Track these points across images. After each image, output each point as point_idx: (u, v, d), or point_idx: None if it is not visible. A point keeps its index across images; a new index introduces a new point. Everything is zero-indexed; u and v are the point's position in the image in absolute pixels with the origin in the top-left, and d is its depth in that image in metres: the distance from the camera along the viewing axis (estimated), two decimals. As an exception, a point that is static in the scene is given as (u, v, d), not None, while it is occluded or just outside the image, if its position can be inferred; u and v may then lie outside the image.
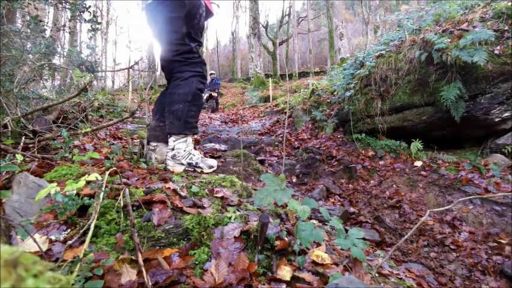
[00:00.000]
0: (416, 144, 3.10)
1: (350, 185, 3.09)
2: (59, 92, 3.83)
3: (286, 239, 1.10)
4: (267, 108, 8.57)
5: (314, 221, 1.68)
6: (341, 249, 1.22)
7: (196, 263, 0.94)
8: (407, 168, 2.98)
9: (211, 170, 1.84)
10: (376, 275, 1.17)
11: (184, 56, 1.72)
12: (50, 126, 2.20)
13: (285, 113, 6.35)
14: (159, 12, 1.68)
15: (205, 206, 1.21)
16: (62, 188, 1.04)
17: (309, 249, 1.12)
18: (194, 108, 1.75)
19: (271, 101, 11.13)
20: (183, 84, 1.72)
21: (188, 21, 1.68)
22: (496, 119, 2.72)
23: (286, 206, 1.42)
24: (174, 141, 1.75)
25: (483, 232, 2.06)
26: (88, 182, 1.13)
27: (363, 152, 3.47)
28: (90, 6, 3.07)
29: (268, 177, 1.05)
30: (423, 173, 2.83)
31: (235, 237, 1.05)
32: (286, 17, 23.60)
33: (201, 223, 1.07)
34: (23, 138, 1.72)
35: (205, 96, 9.34)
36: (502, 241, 1.94)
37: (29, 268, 0.24)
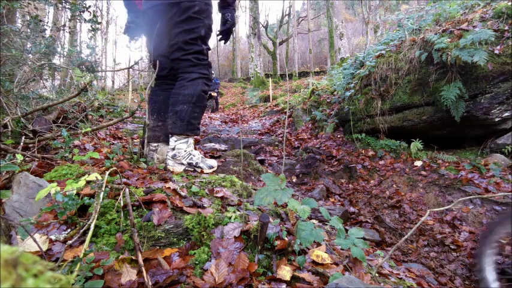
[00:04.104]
0: (416, 144, 3.10)
1: (350, 185, 3.09)
2: (59, 92, 3.82)
3: (286, 238, 1.10)
4: (267, 108, 8.57)
5: (314, 221, 1.68)
6: (341, 249, 1.22)
7: (196, 262, 0.94)
8: (407, 168, 2.98)
9: (211, 170, 1.85)
10: (376, 274, 1.17)
11: (194, 56, 1.74)
12: (50, 126, 2.20)
13: (285, 112, 6.35)
14: (178, 10, 1.69)
15: (205, 205, 1.21)
16: (62, 188, 1.04)
17: (309, 249, 1.12)
18: (198, 110, 1.76)
19: (271, 100, 11.13)
20: (189, 86, 1.72)
21: (209, 30, 1.79)
22: (496, 119, 2.72)
23: (286, 205, 1.42)
24: (176, 141, 1.75)
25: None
26: (88, 182, 1.13)
27: (363, 151, 3.47)
28: (90, 6, 3.07)
29: (268, 177, 1.05)
30: (423, 172, 2.83)
31: (235, 237, 1.05)
32: (286, 16, 23.58)
33: (201, 223, 1.08)
34: (23, 138, 1.72)
35: (205, 96, 9.35)
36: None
37: (29, 268, 0.24)
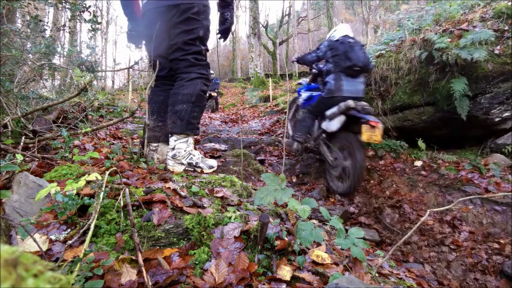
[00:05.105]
0: (421, 144, 3.11)
1: (350, 185, 3.09)
2: (59, 92, 3.83)
3: (286, 238, 1.10)
4: (267, 108, 8.57)
5: (314, 221, 1.68)
6: (341, 249, 1.22)
7: (196, 262, 0.94)
8: (407, 168, 2.98)
9: (211, 170, 1.85)
10: (376, 274, 1.17)
11: (193, 57, 1.75)
12: (50, 126, 2.20)
13: (285, 112, 6.35)
14: (177, 11, 1.69)
15: (205, 205, 1.21)
16: (62, 188, 1.04)
17: (309, 249, 1.12)
18: (197, 109, 1.76)
19: (271, 100, 11.13)
20: (188, 85, 1.73)
21: (208, 31, 1.80)
22: (496, 119, 2.72)
23: (286, 205, 1.42)
24: (175, 140, 1.75)
25: (483, 232, 2.06)
26: (88, 182, 1.13)
27: (363, 151, 3.47)
28: (90, 6, 3.07)
29: (268, 177, 1.05)
30: (423, 172, 2.83)
31: (235, 237, 1.05)
32: (286, 16, 23.56)
33: (201, 223, 1.08)
34: (23, 138, 1.72)
35: (205, 96, 9.35)
36: (502, 241, 1.94)
37: (29, 268, 0.24)
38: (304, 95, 3.36)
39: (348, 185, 2.63)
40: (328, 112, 2.77)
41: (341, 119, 2.65)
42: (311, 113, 3.07)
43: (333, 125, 2.72)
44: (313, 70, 3.24)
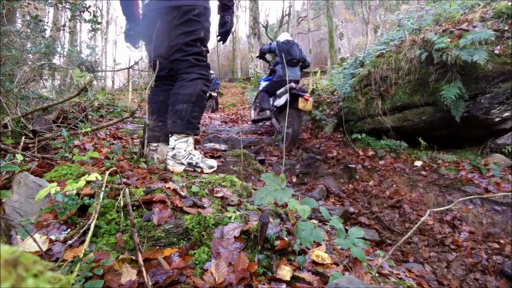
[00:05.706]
0: (422, 143, 3.12)
1: (350, 185, 3.09)
2: (59, 92, 3.83)
3: (286, 238, 1.10)
4: (267, 108, 8.54)
5: (314, 221, 1.68)
6: (341, 248, 1.22)
7: (196, 262, 0.94)
8: (407, 168, 2.98)
9: (211, 170, 1.85)
10: (376, 274, 1.17)
11: (194, 57, 1.76)
12: (50, 126, 2.20)
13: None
14: (178, 13, 1.70)
15: (205, 205, 1.21)
16: (62, 188, 1.04)
17: (309, 249, 1.12)
18: (197, 109, 1.77)
19: (271, 100, 11.09)
20: (188, 85, 1.74)
21: (208, 32, 1.83)
22: (496, 119, 2.71)
23: (286, 205, 1.42)
24: (176, 140, 1.75)
25: (483, 232, 2.06)
26: (88, 182, 1.13)
27: (363, 151, 3.47)
28: (90, 6, 3.07)
29: (268, 177, 1.05)
30: (423, 172, 2.83)
31: (235, 237, 1.05)
32: (286, 17, 23.55)
33: (201, 223, 1.08)
34: (23, 138, 1.72)
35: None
36: (502, 241, 1.94)
37: (29, 268, 0.24)
38: (264, 84, 4.73)
39: (288, 143, 3.91)
40: (278, 92, 4.14)
41: (286, 96, 3.73)
42: (266, 92, 4.53)
43: (281, 100, 3.95)
44: (271, 67, 4.65)
